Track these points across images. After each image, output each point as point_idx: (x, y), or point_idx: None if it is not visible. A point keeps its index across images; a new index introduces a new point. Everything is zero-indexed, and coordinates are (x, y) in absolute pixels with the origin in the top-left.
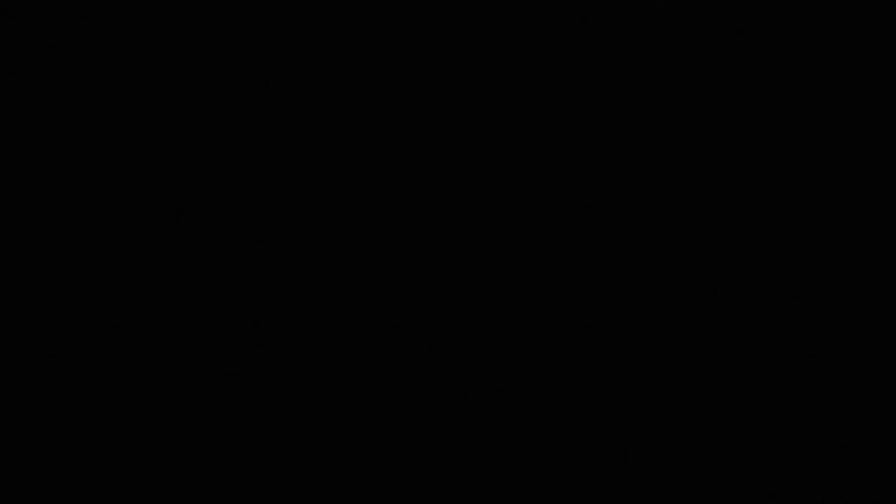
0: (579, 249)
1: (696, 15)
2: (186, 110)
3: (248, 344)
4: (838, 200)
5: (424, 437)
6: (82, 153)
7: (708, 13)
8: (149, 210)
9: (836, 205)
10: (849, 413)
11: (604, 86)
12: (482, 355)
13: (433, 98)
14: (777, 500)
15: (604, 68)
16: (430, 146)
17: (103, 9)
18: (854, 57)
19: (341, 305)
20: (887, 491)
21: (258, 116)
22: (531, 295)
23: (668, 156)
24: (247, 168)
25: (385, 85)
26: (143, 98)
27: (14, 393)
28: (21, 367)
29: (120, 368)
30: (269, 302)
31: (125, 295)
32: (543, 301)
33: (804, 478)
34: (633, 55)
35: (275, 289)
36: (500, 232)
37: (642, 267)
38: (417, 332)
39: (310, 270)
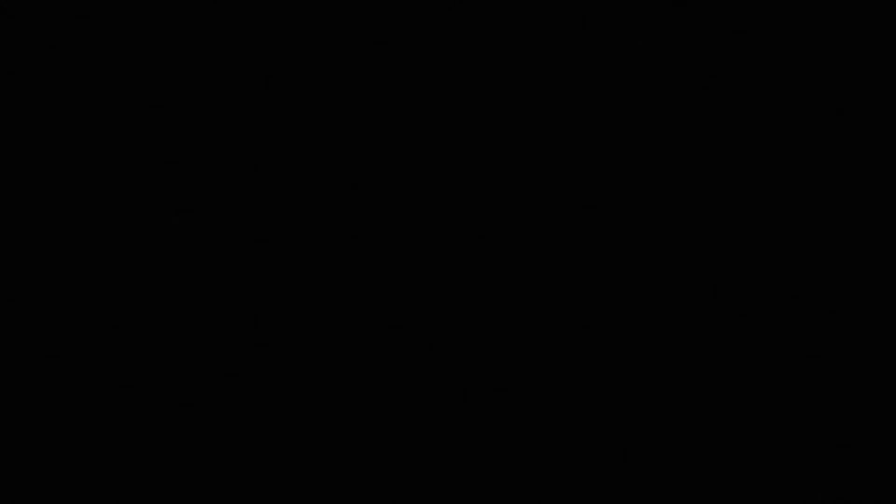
0: (579, 249)
1: (696, 15)
2: (186, 110)
3: (248, 344)
4: (838, 200)
5: (424, 437)
6: (82, 153)
7: (708, 13)
8: (149, 210)
9: (836, 205)
10: (849, 413)
11: (604, 86)
12: (482, 355)
13: (433, 98)
14: (777, 500)
15: (604, 68)
16: (430, 146)
17: (103, 9)
18: (854, 57)
19: (341, 305)
20: (887, 491)
21: (258, 116)
22: (531, 295)
23: (667, 156)
24: (247, 168)
25: (385, 85)
26: (143, 98)
27: (14, 393)
28: (21, 367)
29: (120, 368)
30: (269, 302)
31: (125, 295)
32: (543, 301)
33: (804, 478)
34: (633, 55)
35: (275, 289)
36: (501, 232)
37: (642, 267)
38: (417, 332)
39: (310, 270)
